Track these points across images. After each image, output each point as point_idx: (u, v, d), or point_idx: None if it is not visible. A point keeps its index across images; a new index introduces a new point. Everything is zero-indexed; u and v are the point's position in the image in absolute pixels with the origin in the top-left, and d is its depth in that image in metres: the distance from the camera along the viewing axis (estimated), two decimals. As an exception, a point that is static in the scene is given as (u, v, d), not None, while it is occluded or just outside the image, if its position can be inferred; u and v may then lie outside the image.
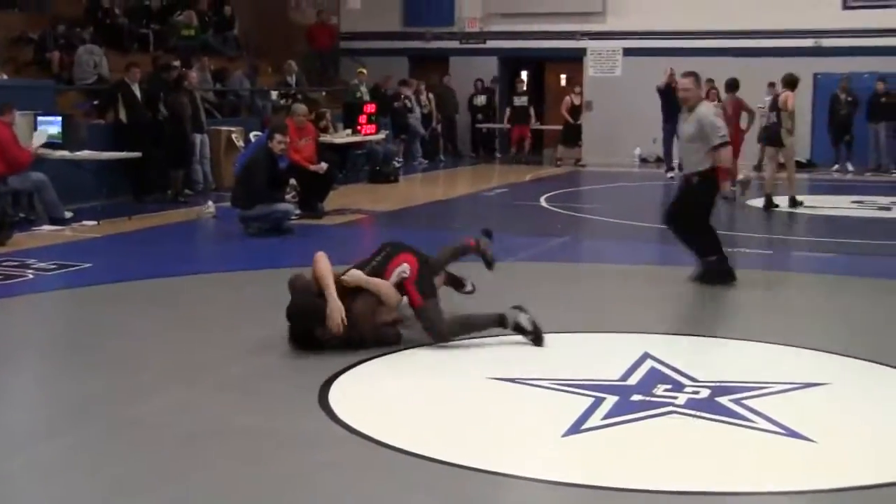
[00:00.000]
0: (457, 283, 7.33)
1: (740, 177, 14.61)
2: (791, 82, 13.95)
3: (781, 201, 13.91)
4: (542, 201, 14.57)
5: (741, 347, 6.51)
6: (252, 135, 15.50)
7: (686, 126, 8.51)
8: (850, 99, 19.88)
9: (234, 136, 15.73)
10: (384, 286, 6.29)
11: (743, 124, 16.03)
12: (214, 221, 12.35)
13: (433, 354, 6.17)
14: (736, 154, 15.21)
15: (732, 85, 15.79)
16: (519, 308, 6.41)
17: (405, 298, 6.37)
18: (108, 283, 8.33)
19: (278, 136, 11.19)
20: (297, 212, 12.09)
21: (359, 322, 6.14)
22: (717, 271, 8.52)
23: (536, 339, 6.32)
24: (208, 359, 6.12)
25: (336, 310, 5.99)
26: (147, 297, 7.99)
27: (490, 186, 17.15)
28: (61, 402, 5.33)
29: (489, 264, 7.27)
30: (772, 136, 14.06)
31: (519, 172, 19.58)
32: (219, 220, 12.32)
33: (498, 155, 23.03)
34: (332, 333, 6.04)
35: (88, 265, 8.94)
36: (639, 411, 5.09)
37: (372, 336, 6.22)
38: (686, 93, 8.48)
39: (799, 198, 14.05)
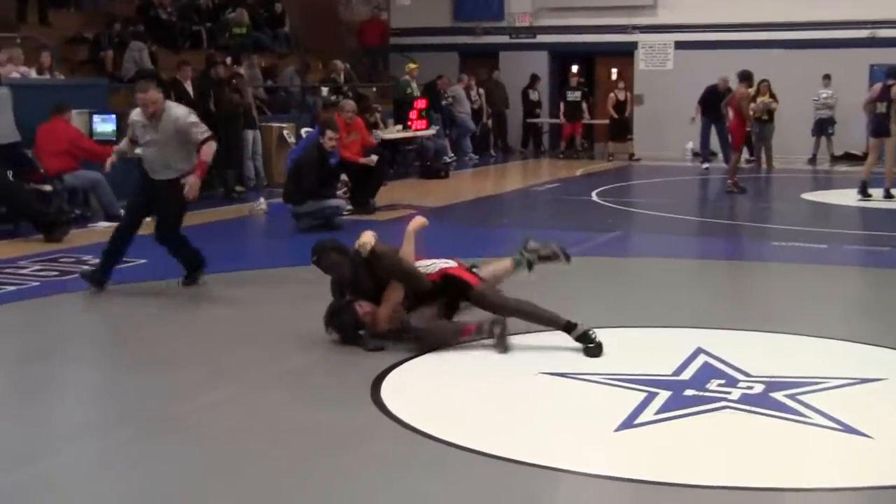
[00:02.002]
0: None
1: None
2: None
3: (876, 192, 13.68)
4: (594, 196, 14.49)
5: (796, 342, 6.42)
6: (303, 131, 15.56)
7: (154, 134, 7.70)
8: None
9: (285, 132, 15.78)
10: (410, 263, 6.25)
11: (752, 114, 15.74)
12: (266, 217, 12.35)
13: (485, 350, 6.15)
14: (739, 147, 15.14)
15: (745, 77, 15.58)
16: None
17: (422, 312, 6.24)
18: (162, 280, 8.37)
19: (329, 133, 11.23)
20: (349, 207, 12.13)
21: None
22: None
23: (596, 350, 6.08)
24: (259, 354, 6.14)
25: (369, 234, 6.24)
26: (199, 293, 8.05)
27: (541, 181, 17.08)
28: (110, 399, 5.40)
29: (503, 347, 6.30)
30: (879, 127, 13.82)
31: (570, 167, 19.49)
32: (270, 216, 12.32)
33: (546, 149, 22.96)
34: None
35: (143, 261, 9.00)
36: (692, 406, 5.05)
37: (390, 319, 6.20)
38: (155, 105, 7.55)
39: (894, 191, 13.72)
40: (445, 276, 6.31)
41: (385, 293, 6.25)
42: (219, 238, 11.09)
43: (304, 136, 14.89)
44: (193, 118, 7.42)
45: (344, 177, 12.65)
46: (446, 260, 6.45)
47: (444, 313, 6.33)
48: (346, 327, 6.23)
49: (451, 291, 6.33)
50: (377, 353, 6.02)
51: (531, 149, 23.07)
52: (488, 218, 12.89)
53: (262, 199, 12.87)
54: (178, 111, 7.46)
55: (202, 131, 7.27)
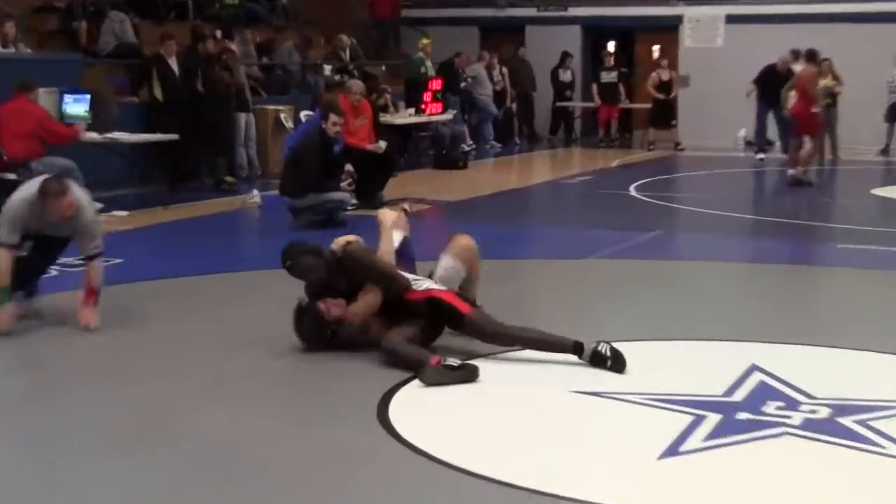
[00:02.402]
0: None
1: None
2: None
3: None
4: (632, 190, 14.52)
5: (866, 359, 6.35)
6: (303, 115, 15.57)
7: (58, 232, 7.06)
8: None
9: (282, 116, 15.81)
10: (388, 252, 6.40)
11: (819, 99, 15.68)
12: (260, 212, 12.42)
13: (508, 365, 6.14)
14: (813, 132, 15.07)
15: (811, 56, 15.50)
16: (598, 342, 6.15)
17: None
18: (141, 281, 8.40)
19: (333, 117, 11.21)
20: (354, 201, 12.13)
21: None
22: None
23: (616, 364, 6.03)
24: (252, 366, 6.18)
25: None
26: (183, 297, 8.06)
27: (572, 173, 17.09)
28: (92, 414, 5.37)
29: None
30: None
31: (605, 157, 19.49)
32: (265, 210, 12.38)
33: (578, 137, 22.91)
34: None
35: (119, 261, 8.97)
36: (746, 432, 4.99)
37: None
38: (70, 210, 6.81)
39: None
40: (431, 300, 6.31)
41: (360, 294, 6.31)
42: (207, 234, 11.19)
43: (303, 120, 14.89)
44: (98, 226, 7.17)
45: (349, 167, 12.63)
46: (438, 287, 6.44)
47: (424, 338, 6.27)
48: (308, 335, 6.31)
49: (435, 316, 6.32)
50: (388, 370, 5.95)
51: (561, 136, 23.07)
52: (512, 215, 12.90)
53: (255, 192, 12.88)
54: (89, 215, 7.15)
55: (96, 245, 7.00)
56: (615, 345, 6.02)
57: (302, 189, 11.09)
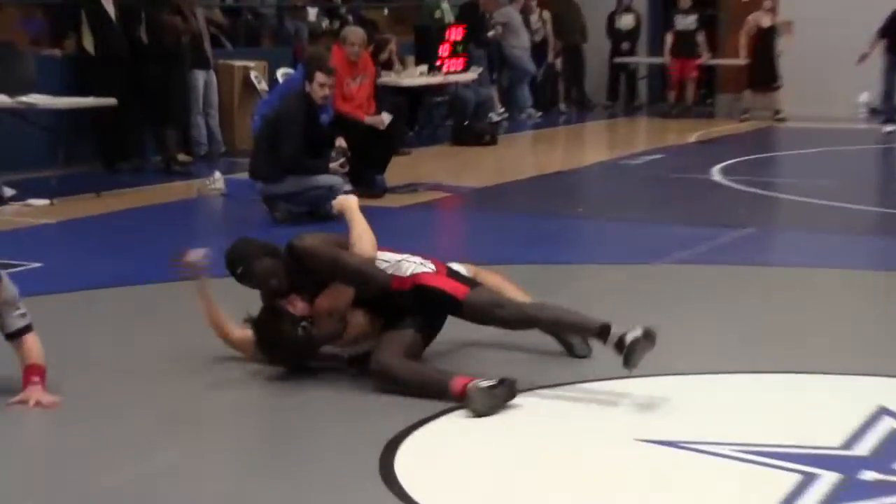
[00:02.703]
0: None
1: None
2: None
3: None
4: (716, 174, 14.56)
5: None
6: (280, 73, 15.67)
7: None
8: None
9: (253, 75, 15.85)
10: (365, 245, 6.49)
11: None
12: (224, 201, 12.51)
13: (549, 402, 6.16)
14: None
15: None
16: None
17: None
18: (66, 292, 8.42)
19: (321, 77, 11.18)
20: (347, 187, 11.91)
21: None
22: None
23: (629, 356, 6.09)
24: (222, 397, 6.25)
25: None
26: (123, 313, 8.05)
27: (635, 151, 17.13)
28: (30, 463, 5.44)
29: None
30: None
31: (680, 130, 19.51)
32: (230, 199, 12.49)
33: (643, 104, 22.86)
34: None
35: (37, 265, 9.04)
36: (874, 497, 4.93)
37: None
38: None
39: None
40: (417, 288, 6.43)
41: (328, 290, 6.43)
42: (153, 231, 11.18)
43: (280, 80, 14.94)
44: (17, 303, 7.10)
45: (340, 142, 12.55)
46: (422, 259, 6.58)
47: (424, 338, 6.47)
48: (277, 343, 6.32)
49: (427, 307, 6.45)
50: (392, 403, 6.02)
51: (621, 102, 23.22)
52: (555, 206, 12.84)
53: (216, 174, 12.93)
54: (9, 293, 7.12)
55: (20, 314, 6.92)
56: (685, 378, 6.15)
57: (279, 171, 11.09)
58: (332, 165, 11.82)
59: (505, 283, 6.91)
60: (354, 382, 6.26)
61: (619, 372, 6.15)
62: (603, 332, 6.11)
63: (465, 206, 12.87)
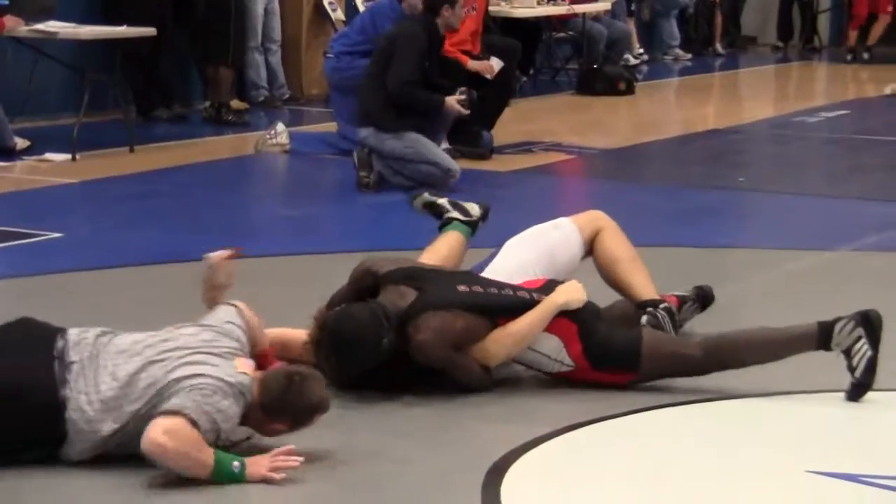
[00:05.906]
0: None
1: None
2: None
3: None
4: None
5: None
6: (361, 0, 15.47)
7: None
8: None
9: (326, 1, 15.88)
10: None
11: None
12: (287, 158, 12.62)
13: (691, 422, 6.24)
14: None
15: None
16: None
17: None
18: (90, 270, 8.64)
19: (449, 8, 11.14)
20: (445, 145, 12.05)
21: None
22: None
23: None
24: None
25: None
26: (161, 295, 7.94)
27: (812, 106, 17.21)
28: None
29: None
30: None
31: (871, 79, 20.05)
32: (296, 157, 12.56)
33: (824, 45, 22.73)
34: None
35: (56, 235, 9.27)
36: None
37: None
38: None
39: None
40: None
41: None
42: (200, 195, 11.25)
43: (362, 9, 14.88)
44: None
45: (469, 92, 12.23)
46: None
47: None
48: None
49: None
50: (496, 422, 6.17)
51: (796, 43, 23.30)
52: (711, 174, 12.90)
53: (279, 126, 12.91)
54: None
55: None
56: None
57: (396, 119, 11.08)
58: (449, 99, 11.74)
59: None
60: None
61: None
62: (825, 336, 6.25)
63: (592, 173, 13.03)
